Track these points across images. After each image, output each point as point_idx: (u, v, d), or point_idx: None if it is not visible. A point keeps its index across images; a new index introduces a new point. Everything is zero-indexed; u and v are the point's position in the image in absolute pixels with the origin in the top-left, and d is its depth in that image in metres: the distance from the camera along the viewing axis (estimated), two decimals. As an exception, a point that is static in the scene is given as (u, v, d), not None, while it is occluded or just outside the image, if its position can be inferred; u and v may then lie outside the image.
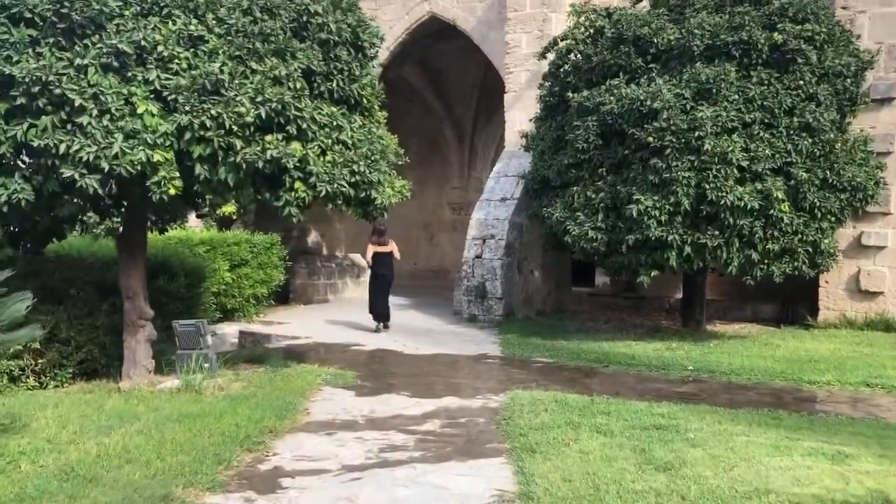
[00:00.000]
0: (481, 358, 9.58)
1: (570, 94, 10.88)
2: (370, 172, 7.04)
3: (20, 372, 7.80)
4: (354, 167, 6.91)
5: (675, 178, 9.27)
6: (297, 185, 6.74)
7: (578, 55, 11.54)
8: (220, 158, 6.38)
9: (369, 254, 12.34)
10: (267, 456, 5.25)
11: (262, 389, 7.31)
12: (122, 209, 7.78)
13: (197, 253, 12.33)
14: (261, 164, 6.42)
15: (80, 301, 8.12)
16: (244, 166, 6.41)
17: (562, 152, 11.30)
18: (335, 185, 6.77)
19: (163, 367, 8.00)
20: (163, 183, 6.22)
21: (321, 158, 6.83)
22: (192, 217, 14.87)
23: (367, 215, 7.57)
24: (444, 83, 21.24)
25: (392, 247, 12.40)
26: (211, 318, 12.57)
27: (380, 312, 12.12)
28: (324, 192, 6.74)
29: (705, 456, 5.09)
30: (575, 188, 10.53)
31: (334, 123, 6.94)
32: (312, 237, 16.86)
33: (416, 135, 22.11)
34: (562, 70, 11.86)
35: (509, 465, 5.01)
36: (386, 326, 12.08)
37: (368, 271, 17.64)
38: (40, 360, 7.88)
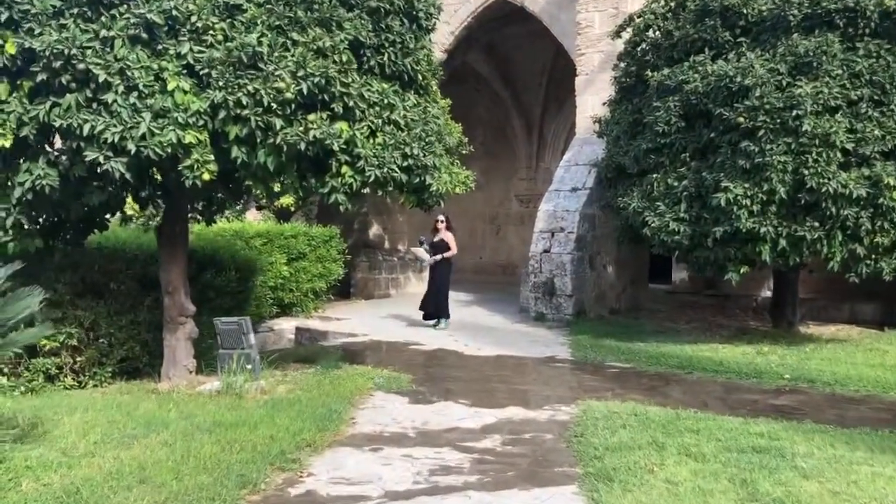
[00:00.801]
0: (549, 361, 8.77)
1: (648, 73, 9.95)
2: (424, 156, 6.31)
3: (58, 370, 7.39)
4: (407, 150, 6.20)
5: (769, 162, 8.26)
6: (344, 169, 6.07)
7: (658, 31, 10.58)
8: (258, 140, 5.76)
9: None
10: (301, 477, 4.58)
11: (308, 394, 6.68)
12: (160, 198, 7.26)
13: (253, 246, 11.89)
14: (303, 147, 5.77)
15: (121, 295, 7.68)
16: (285, 148, 5.77)
17: (639, 137, 10.37)
18: (385, 170, 6.07)
19: (205, 367, 7.49)
20: (196, 167, 5.63)
21: (370, 140, 6.14)
22: (252, 210, 14.46)
23: (422, 203, 6.84)
24: (511, 70, 20.39)
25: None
26: (268, 313, 12.16)
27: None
28: (373, 178, 6.05)
29: (823, 492, 4.19)
30: (654, 176, 9.60)
31: (385, 101, 6.24)
32: (374, 230, 16.28)
33: (483, 125, 21.37)
34: (639, 49, 10.93)
35: (582, 498, 4.21)
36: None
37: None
38: (79, 358, 7.47)
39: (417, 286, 16.46)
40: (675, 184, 9.23)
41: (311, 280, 12.78)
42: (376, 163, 6.05)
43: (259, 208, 14.96)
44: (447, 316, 11.49)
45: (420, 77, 6.77)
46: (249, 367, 6.80)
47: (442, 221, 11.82)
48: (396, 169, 6.13)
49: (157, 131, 5.47)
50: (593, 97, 13.34)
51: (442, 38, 15.45)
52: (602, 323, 11.76)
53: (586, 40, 13.45)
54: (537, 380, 7.77)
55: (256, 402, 6.38)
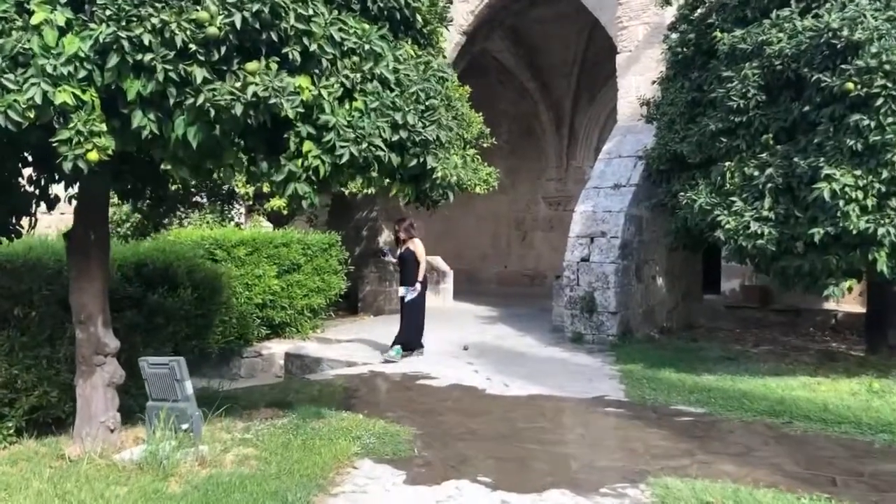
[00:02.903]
0: (598, 404, 6.76)
1: (717, 35, 7.92)
2: (424, 126, 4.35)
3: (-62, 427, 5.54)
4: (398, 117, 4.24)
5: (891, 141, 6.23)
6: (307, 147, 4.15)
7: (723, -13, 8.57)
8: (172, 101, 3.85)
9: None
10: None
11: (266, 466, 4.75)
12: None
13: (235, 256, 10.04)
14: (240, 111, 3.85)
15: (32, 324, 5.80)
16: (213, 114, 3.86)
17: (701, 118, 8.38)
18: (366, 147, 4.13)
19: (137, 420, 5.60)
20: (76, 141, 3.74)
21: (344, 104, 4.22)
22: (239, 214, 12.61)
23: (424, 198, 4.89)
24: (538, 59, 18.45)
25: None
26: (255, 335, 10.29)
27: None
28: (347, 158, 4.11)
29: None
30: (726, 164, 7.58)
31: (367, 48, 4.30)
32: (385, 236, 14.36)
33: (508, 120, 19.46)
34: (698, 12, 8.92)
35: None
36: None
37: (447, 278, 15.35)
38: (-31, 410, 5.61)
39: (435, 300, 14.49)
40: (756, 173, 7.21)
41: (306, 296, 10.88)
42: (352, 136, 4.11)
43: (253, 212, 13.13)
44: (405, 343, 9.15)
45: (419, 20, 4.83)
46: (185, 426, 4.87)
47: (399, 230, 9.31)
48: (382, 145, 4.19)
49: (11, 87, 3.59)
50: (638, 77, 11.34)
51: (460, 19, 13.53)
52: (653, 346, 9.73)
53: (628, 11, 11.45)
54: (586, 436, 5.75)
55: (188, 482, 4.46)
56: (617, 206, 10.44)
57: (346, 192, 11.35)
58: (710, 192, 7.64)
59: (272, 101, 3.84)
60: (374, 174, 4.31)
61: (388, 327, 11.16)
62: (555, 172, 19.22)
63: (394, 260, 9.57)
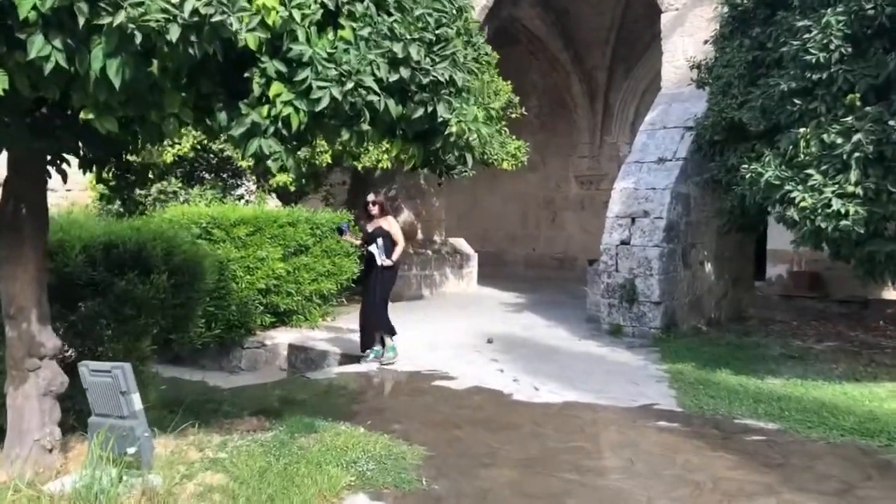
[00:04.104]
0: (646, 415, 5.66)
1: (790, -24, 6.71)
2: (434, 63, 3.26)
3: None
4: (397, 49, 3.15)
5: None
6: (276, 88, 3.08)
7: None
8: (82, 20, 2.79)
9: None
10: None
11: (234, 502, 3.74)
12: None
13: (235, 236, 9.04)
14: (175, 34, 2.77)
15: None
16: (140, 39, 2.80)
17: (765, 80, 7.20)
18: (352, 87, 3.05)
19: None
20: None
21: (323, 34, 3.13)
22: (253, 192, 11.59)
23: (434, 162, 3.78)
24: (571, 27, 17.17)
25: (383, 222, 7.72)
26: (257, 323, 9.32)
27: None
28: (327, 103, 3.03)
29: None
30: (800, 131, 6.38)
31: (356, -43, 3.21)
32: (404, 216, 13.28)
33: (538, 93, 18.25)
34: (761, -44, 7.69)
35: None
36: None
37: (471, 261, 14.08)
38: None
39: (456, 285, 13.47)
40: (839, 140, 6.01)
41: (315, 280, 9.85)
42: (334, 73, 3.03)
43: (271, 191, 12.03)
44: (388, 333, 7.62)
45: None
46: (131, 450, 3.85)
47: (375, 203, 7.69)
48: (376, 87, 3.10)
49: None
50: (686, 39, 10.11)
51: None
52: (702, 341, 8.59)
53: (676, -37, 10.20)
54: (635, 462, 4.65)
55: (127, 526, 3.46)
56: (662, 182, 9.27)
57: (359, 166, 10.27)
58: (780, 165, 6.45)
59: (218, 18, 2.76)
60: (366, 127, 3.22)
61: (405, 315, 10.10)
62: (587, 149, 17.97)
63: (354, 240, 8.09)
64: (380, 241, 7.48)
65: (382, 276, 7.55)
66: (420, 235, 13.50)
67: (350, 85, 3.01)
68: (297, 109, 3.09)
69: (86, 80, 2.96)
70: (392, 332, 7.58)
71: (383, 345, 7.57)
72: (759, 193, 6.80)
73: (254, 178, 10.56)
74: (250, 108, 3.16)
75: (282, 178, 9.90)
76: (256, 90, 3.15)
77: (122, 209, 10.05)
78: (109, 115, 3.11)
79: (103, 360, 5.76)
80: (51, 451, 4.21)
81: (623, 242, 9.21)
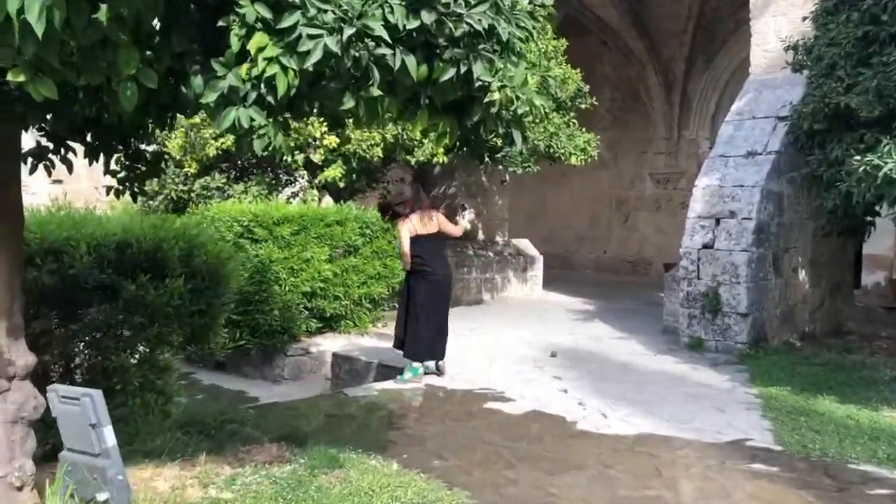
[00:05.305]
0: (737, 454, 4.70)
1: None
2: (470, 7, 2.43)
3: None
4: (418, -15, 2.35)
5: None
6: (258, 40, 2.31)
7: None
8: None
9: (405, 238, 6.65)
10: None
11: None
12: None
13: (279, 235, 8.41)
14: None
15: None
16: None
17: (878, 58, 6.15)
18: (352, 35, 2.25)
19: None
20: None
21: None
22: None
23: (474, 143, 2.95)
24: (646, 15, 16.07)
25: (440, 224, 6.74)
26: (301, 329, 8.68)
27: (429, 346, 6.73)
28: (319, 57, 2.25)
29: None
30: (930, 114, 5.32)
31: None
32: (469, 216, 12.46)
33: (609, 86, 17.20)
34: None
35: None
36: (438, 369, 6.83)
37: (536, 264, 13.03)
38: None
39: (519, 290, 12.59)
40: (981, 125, 4.94)
41: (364, 283, 9.14)
42: (330, 19, 2.24)
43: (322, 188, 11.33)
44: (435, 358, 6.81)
45: None
46: (102, 497, 3.14)
47: (411, 202, 6.69)
48: (386, 36, 2.29)
49: None
50: (779, 18, 8.99)
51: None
52: (797, 359, 7.52)
53: (768, -67, 9.10)
54: (729, 522, 3.74)
55: None
56: (751, 179, 8.20)
57: (412, 160, 9.52)
58: (903, 155, 5.40)
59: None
60: (376, 92, 2.41)
61: (461, 321, 9.34)
62: (664, 145, 16.83)
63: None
64: None
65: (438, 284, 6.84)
66: (481, 236, 12.67)
67: (351, 31, 2.21)
68: (284, 68, 2.32)
69: (7, 28, 2.25)
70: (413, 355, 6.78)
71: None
72: (873, 190, 5.76)
73: (305, 173, 9.90)
74: (226, 69, 2.40)
75: (330, 173, 9.21)
76: (235, 44, 2.39)
77: (163, 205, 9.56)
78: (41, 74, 2.39)
79: (111, 374, 5.21)
80: (20, 488, 3.55)
81: (706, 246, 8.19)
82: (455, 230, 6.91)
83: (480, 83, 2.53)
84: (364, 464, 4.27)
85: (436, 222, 6.66)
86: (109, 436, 3.19)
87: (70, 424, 3.31)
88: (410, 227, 6.57)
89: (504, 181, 12.80)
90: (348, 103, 2.42)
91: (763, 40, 9.21)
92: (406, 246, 6.61)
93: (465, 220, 7.36)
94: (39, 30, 2.15)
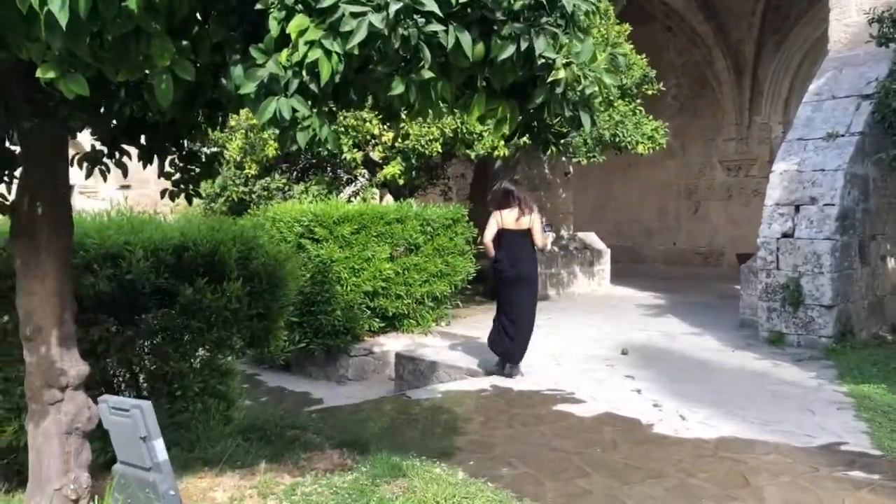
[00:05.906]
0: (831, 459, 4.33)
1: None
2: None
3: None
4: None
5: None
6: (298, 22, 2.13)
7: None
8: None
9: (487, 228, 6.52)
10: None
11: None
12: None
13: (339, 235, 8.29)
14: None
15: (6, 334, 4.20)
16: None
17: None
18: (402, 13, 2.03)
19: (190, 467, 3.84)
20: None
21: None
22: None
23: (538, 129, 2.70)
24: (713, -1, 15.48)
25: (530, 221, 6.45)
26: (364, 328, 8.56)
27: (509, 347, 6.56)
28: (363, 37, 2.03)
29: None
30: None
31: None
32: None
33: (676, 72, 16.66)
34: None
35: None
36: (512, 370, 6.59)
37: (603, 257, 12.61)
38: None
39: (586, 285, 12.23)
40: None
41: (427, 281, 8.95)
42: (375, -7, 2.03)
43: (383, 186, 11.19)
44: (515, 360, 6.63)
45: None
46: (156, 515, 3.01)
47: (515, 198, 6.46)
48: (437, 11, 2.07)
49: None
50: (859, -9, 8.44)
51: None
52: (889, 353, 7.04)
53: None
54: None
55: None
56: (832, 162, 7.71)
57: (472, 154, 9.27)
58: None
59: None
60: (428, 74, 2.19)
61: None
62: (734, 131, 16.18)
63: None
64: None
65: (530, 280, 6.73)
66: (545, 230, 12.34)
67: (398, 6, 1.99)
68: (327, 52, 2.11)
69: (34, 21, 2.11)
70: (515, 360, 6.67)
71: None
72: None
73: (364, 171, 9.76)
74: (265, 56, 2.21)
75: (389, 171, 9.05)
76: (274, 28, 2.20)
77: (224, 207, 9.56)
78: (72, 70, 2.24)
79: (172, 379, 5.14)
80: (76, 501, 3.46)
81: (785, 235, 7.73)
82: (541, 239, 6.69)
83: (543, 61, 2.28)
84: (428, 472, 4.05)
85: (528, 220, 6.44)
86: (160, 449, 3.05)
87: (121, 436, 3.19)
88: (498, 219, 6.42)
89: (568, 173, 12.45)
90: (398, 88, 2.21)
91: (843, 14, 8.65)
92: (487, 237, 6.49)
93: (549, 239, 7.31)
94: (63, 20, 1.99)
